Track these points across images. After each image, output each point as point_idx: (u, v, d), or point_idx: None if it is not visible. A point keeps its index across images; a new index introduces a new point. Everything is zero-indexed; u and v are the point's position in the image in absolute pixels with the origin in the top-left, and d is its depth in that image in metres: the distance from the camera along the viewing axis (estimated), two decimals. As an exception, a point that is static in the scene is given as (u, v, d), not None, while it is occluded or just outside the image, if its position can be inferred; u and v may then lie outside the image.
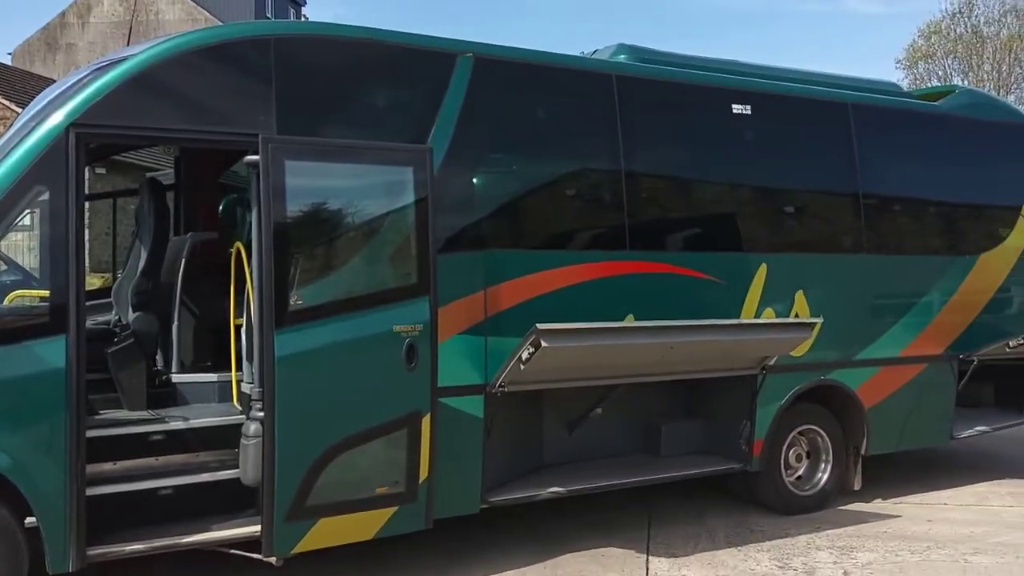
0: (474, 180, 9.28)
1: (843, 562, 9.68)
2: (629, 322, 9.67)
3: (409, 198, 8.52)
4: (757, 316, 10.74)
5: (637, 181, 10.29)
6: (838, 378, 11.49)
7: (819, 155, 11.79)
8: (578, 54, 11.10)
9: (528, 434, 10.16)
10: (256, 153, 7.86)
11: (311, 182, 8.29)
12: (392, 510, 8.48)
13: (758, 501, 11.37)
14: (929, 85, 48.80)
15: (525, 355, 8.42)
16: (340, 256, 8.56)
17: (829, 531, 10.66)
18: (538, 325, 8.25)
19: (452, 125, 9.00)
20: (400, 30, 9.10)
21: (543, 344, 8.23)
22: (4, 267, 8.48)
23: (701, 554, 9.85)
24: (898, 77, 53.79)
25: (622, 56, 10.87)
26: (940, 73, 53.89)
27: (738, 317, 10.61)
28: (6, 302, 7.77)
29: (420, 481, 8.52)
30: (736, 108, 10.93)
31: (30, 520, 7.37)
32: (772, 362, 10.40)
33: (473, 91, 9.17)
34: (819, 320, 10.30)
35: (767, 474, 11.09)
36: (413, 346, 8.37)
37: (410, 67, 9.15)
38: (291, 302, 7.97)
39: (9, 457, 7.19)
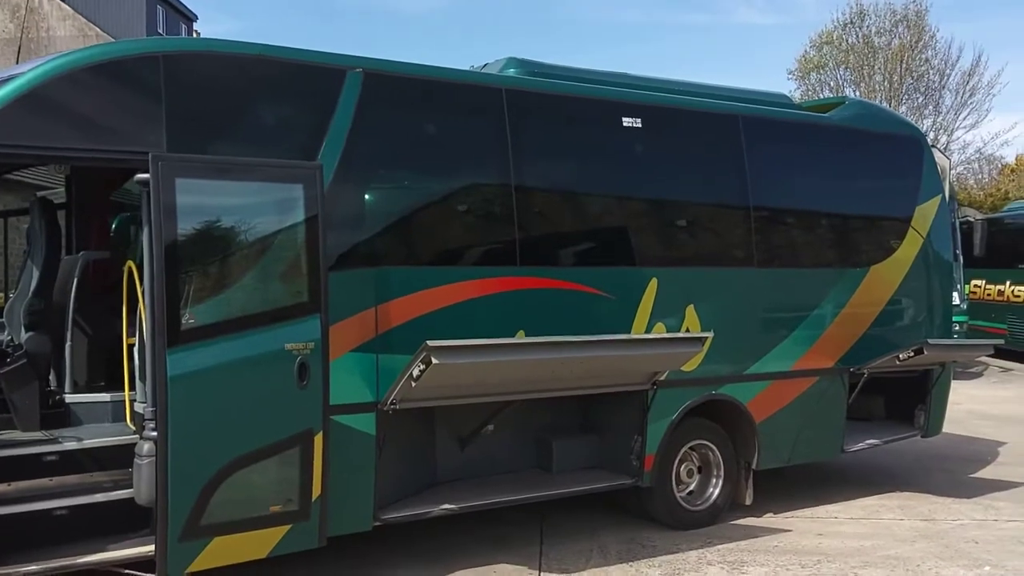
0: (365, 197, 9.28)
1: (734, 576, 9.82)
2: (520, 338, 9.72)
3: (299, 215, 8.51)
4: (648, 331, 10.79)
5: (528, 196, 10.30)
6: (728, 393, 11.58)
7: (710, 168, 11.88)
8: (468, 68, 11.15)
9: (421, 451, 10.17)
10: (146, 171, 7.83)
11: (202, 200, 8.25)
12: (286, 528, 8.48)
13: (650, 516, 11.42)
14: (821, 96, 49.33)
15: (416, 372, 8.44)
16: (232, 274, 8.51)
17: (720, 546, 10.77)
18: (428, 342, 8.25)
19: (342, 141, 9.00)
20: (290, 46, 9.10)
21: (434, 361, 8.25)
22: None
23: (593, 570, 9.93)
24: (790, 88, 54.17)
25: (512, 70, 10.86)
26: (832, 83, 54.22)
27: (629, 332, 10.67)
28: None
29: (313, 499, 8.52)
30: (626, 121, 10.98)
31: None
32: (663, 377, 10.45)
33: (363, 107, 9.17)
34: (709, 335, 10.29)
35: (658, 489, 11.16)
36: (305, 364, 8.37)
37: (299, 83, 9.16)
38: (183, 321, 7.94)
39: None
